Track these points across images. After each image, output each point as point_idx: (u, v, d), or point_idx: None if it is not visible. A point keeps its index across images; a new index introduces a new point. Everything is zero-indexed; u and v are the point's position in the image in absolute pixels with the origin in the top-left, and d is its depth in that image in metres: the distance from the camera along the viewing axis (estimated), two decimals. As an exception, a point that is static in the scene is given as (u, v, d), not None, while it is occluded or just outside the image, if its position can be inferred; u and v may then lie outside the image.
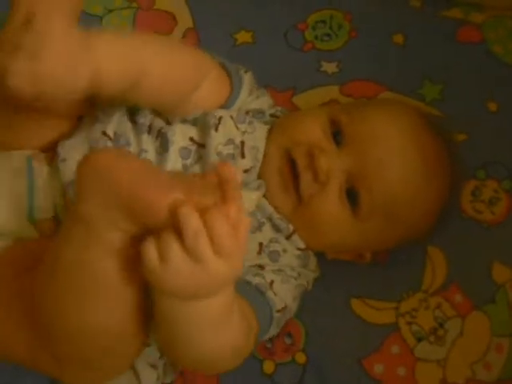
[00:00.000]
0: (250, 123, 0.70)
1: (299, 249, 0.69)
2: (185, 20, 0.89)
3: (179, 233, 0.49)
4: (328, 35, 0.88)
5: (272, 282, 0.65)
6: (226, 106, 0.70)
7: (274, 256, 0.68)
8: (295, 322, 0.74)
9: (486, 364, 0.72)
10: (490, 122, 0.82)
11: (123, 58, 0.60)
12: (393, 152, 0.67)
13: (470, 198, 0.79)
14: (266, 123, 0.72)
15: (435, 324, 0.74)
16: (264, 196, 0.69)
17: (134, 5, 0.90)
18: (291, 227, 0.69)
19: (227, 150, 0.67)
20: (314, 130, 0.69)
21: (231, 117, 0.69)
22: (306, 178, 0.67)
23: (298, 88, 0.85)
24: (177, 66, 0.65)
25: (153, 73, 0.62)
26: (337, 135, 0.69)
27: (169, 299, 0.53)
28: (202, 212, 0.49)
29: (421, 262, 0.77)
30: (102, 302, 0.55)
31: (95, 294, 0.55)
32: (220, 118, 0.68)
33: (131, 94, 0.63)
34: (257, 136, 0.69)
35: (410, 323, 0.74)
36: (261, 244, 0.67)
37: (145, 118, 0.68)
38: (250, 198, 0.67)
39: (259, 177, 0.69)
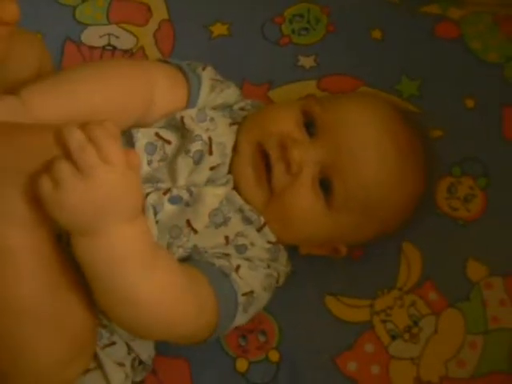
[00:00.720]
0: (212, 120, 0.70)
1: (269, 242, 0.68)
2: (160, 11, 0.88)
3: (67, 155, 0.49)
4: (305, 29, 0.88)
5: (238, 267, 0.65)
6: (188, 107, 0.70)
7: (241, 249, 0.67)
8: (269, 319, 0.74)
9: (460, 361, 0.72)
10: (467, 119, 0.82)
11: (60, 110, 0.62)
12: (367, 143, 0.67)
13: (446, 194, 0.79)
14: (233, 118, 0.71)
15: (410, 322, 0.74)
16: (235, 189, 0.68)
17: (108, -6, 0.90)
18: (262, 219, 0.68)
19: (195, 146, 0.67)
20: (286, 122, 0.68)
21: (191, 117, 0.68)
22: (278, 169, 0.66)
23: (274, 82, 0.84)
24: (118, 96, 0.66)
25: (98, 111, 0.63)
26: (310, 127, 0.68)
27: (79, 239, 0.51)
28: (83, 128, 0.49)
29: (396, 259, 0.76)
30: None
31: None
32: (182, 119, 0.68)
33: None
34: (220, 132, 0.69)
35: (384, 321, 0.74)
36: (227, 237, 0.66)
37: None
38: (216, 194, 0.67)
39: (230, 171, 0.68)
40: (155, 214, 0.65)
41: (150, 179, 0.66)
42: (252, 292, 0.65)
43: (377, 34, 0.87)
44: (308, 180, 0.66)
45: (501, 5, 0.86)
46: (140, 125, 0.69)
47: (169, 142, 0.68)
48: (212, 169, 0.67)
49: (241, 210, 0.68)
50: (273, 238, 0.68)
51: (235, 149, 0.69)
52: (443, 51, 0.85)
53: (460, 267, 0.76)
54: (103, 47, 0.86)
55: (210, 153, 0.67)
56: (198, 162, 0.67)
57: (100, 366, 0.65)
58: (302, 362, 0.72)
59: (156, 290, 0.56)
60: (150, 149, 0.67)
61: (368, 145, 0.67)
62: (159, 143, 0.67)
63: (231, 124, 0.70)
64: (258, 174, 0.67)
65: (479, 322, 0.74)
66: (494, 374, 0.72)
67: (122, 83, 0.67)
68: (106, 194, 0.50)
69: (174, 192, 0.66)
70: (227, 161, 0.69)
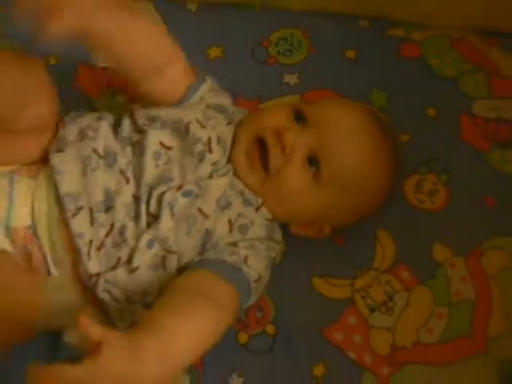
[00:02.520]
0: (214, 118, 0.81)
1: (267, 219, 0.79)
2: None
3: None
4: (289, 51, 0.99)
5: (246, 258, 0.75)
6: (187, 94, 0.81)
7: (244, 229, 0.77)
8: (265, 298, 0.84)
9: (429, 329, 0.83)
10: (430, 125, 0.94)
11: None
12: (347, 130, 0.79)
13: (414, 190, 0.90)
14: (229, 119, 0.82)
15: (385, 297, 0.84)
16: (235, 175, 0.79)
17: (116, 23, 1.01)
18: (260, 200, 0.79)
19: (197, 148, 0.77)
20: (279, 117, 0.80)
21: (197, 120, 0.79)
22: (274, 152, 0.77)
23: (263, 97, 0.95)
24: (157, 40, 0.79)
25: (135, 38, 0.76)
26: (300, 120, 0.80)
27: None
28: None
29: (372, 245, 0.87)
30: None
31: None
32: (188, 124, 0.78)
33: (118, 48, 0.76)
34: (221, 129, 0.80)
35: (364, 297, 0.84)
36: (230, 221, 0.76)
37: (126, 132, 0.78)
38: (219, 184, 0.77)
39: (228, 161, 0.79)
40: (171, 208, 0.74)
41: (162, 180, 0.76)
42: (260, 277, 0.76)
43: (350, 54, 0.98)
44: (299, 160, 0.77)
45: (455, 28, 0.98)
46: (143, 78, 0.79)
47: (170, 148, 0.78)
48: (214, 164, 0.78)
49: (241, 194, 0.78)
50: (269, 216, 0.79)
51: (234, 142, 0.80)
52: (407, 68, 0.97)
53: (427, 250, 0.87)
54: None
55: (210, 151, 0.78)
56: (201, 159, 0.77)
57: None
58: (294, 334, 0.82)
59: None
60: (157, 156, 0.77)
61: (348, 132, 0.79)
62: (163, 150, 0.77)
63: (228, 123, 0.81)
64: (251, 160, 0.78)
65: (444, 296, 0.84)
66: (457, 339, 0.82)
67: (165, 38, 0.80)
68: None
69: (186, 187, 0.75)
70: (227, 153, 0.79)
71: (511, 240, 0.87)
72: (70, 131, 0.79)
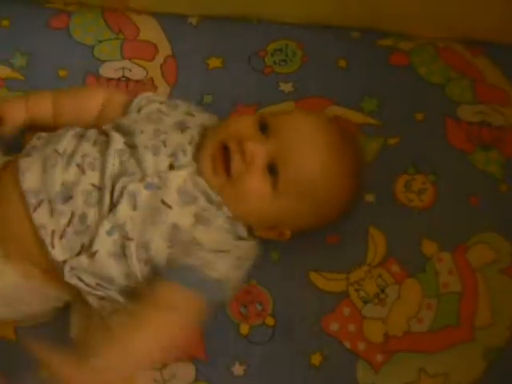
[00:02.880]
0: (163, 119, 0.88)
1: (228, 217, 0.83)
2: (165, 48, 1.04)
3: None
4: (284, 61, 1.04)
5: (211, 262, 0.79)
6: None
7: (207, 222, 0.81)
8: (264, 292, 0.89)
9: (419, 319, 0.88)
10: (418, 129, 0.98)
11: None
12: (303, 140, 0.83)
13: (403, 189, 0.95)
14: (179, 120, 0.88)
15: (378, 290, 0.89)
16: (200, 175, 0.83)
17: (121, 36, 1.05)
18: (220, 199, 0.82)
19: (151, 142, 0.83)
20: (244, 125, 0.85)
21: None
22: (236, 158, 0.81)
23: (261, 104, 1.00)
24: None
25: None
26: (264, 130, 0.84)
27: None
28: None
29: (365, 241, 0.92)
30: None
31: None
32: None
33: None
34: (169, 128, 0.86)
35: (357, 290, 0.89)
36: (195, 214, 0.81)
37: (91, 135, 0.85)
38: (179, 175, 0.82)
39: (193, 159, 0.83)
40: (134, 199, 0.79)
41: (124, 173, 0.81)
42: (227, 278, 0.80)
43: (342, 63, 1.03)
44: (259, 167, 0.81)
45: (440, 38, 1.03)
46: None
47: (133, 147, 0.83)
48: (170, 156, 0.82)
49: (205, 192, 0.82)
50: (230, 214, 0.83)
51: (201, 145, 0.84)
52: (396, 75, 1.02)
53: (416, 246, 0.91)
54: (118, 79, 1.03)
55: (165, 145, 0.83)
56: (156, 153, 0.82)
57: None
58: (293, 325, 0.88)
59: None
60: (120, 153, 0.82)
61: (304, 141, 0.83)
62: (126, 148, 0.83)
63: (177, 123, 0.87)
64: (216, 164, 0.82)
65: (433, 288, 0.89)
66: (446, 328, 0.87)
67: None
68: None
69: (148, 180, 0.80)
70: (187, 151, 0.83)
71: (495, 236, 0.92)
72: (40, 141, 0.86)
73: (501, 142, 0.97)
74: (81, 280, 0.80)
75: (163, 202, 0.80)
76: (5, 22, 1.06)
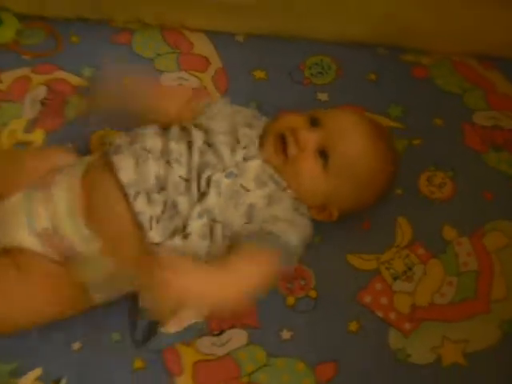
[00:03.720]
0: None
1: (293, 198, 0.97)
2: (215, 62, 1.19)
3: None
4: (321, 73, 1.18)
5: (288, 231, 0.93)
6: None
7: (278, 201, 0.95)
8: (307, 270, 1.02)
9: (442, 293, 1.01)
10: (438, 132, 1.13)
11: None
12: (350, 129, 0.97)
13: (426, 183, 1.08)
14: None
15: (405, 268, 1.02)
16: (265, 162, 0.97)
17: (177, 50, 1.20)
18: (285, 183, 0.97)
19: (227, 138, 0.97)
20: (297, 119, 0.99)
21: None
22: (291, 143, 0.96)
23: (300, 110, 1.08)
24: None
25: None
26: (314, 124, 0.98)
27: None
28: None
29: (393, 228, 1.05)
30: None
31: None
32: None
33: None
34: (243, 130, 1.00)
35: (388, 268, 1.02)
36: (268, 195, 0.95)
37: (174, 133, 0.98)
38: (252, 165, 0.95)
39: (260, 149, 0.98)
40: (218, 187, 0.93)
41: (207, 166, 0.94)
42: (297, 246, 0.94)
43: (371, 75, 1.17)
44: (311, 151, 0.96)
45: (455, 54, 1.17)
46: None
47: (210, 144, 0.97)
48: (244, 148, 0.96)
49: (271, 177, 0.96)
50: (294, 195, 0.97)
51: (263, 137, 0.99)
52: (418, 86, 1.16)
53: (438, 231, 1.05)
54: (177, 87, 1.17)
55: (238, 141, 0.97)
56: (232, 148, 0.96)
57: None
58: (332, 297, 1.00)
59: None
60: (202, 148, 0.96)
61: (349, 130, 0.97)
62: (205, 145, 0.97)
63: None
64: (276, 149, 0.97)
65: (453, 267, 1.02)
66: (465, 301, 1.00)
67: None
68: None
69: (228, 170, 0.94)
70: (256, 144, 0.98)
71: (506, 223, 1.06)
72: (124, 140, 0.98)
73: (511, 143, 1.11)
74: None
75: (242, 186, 0.94)
76: (75, 39, 1.21)
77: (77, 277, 0.93)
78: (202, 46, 1.20)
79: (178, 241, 0.92)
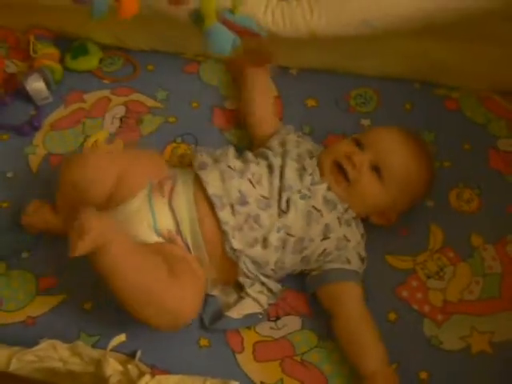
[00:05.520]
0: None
1: (353, 217, 1.14)
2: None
3: None
4: (364, 103, 1.35)
5: (350, 260, 1.12)
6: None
7: (348, 223, 1.13)
8: (353, 268, 1.18)
9: (470, 291, 1.15)
10: (466, 155, 1.28)
11: None
12: (395, 145, 1.14)
13: (455, 198, 1.24)
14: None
15: (438, 269, 1.17)
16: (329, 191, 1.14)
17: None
18: (346, 205, 1.13)
19: (297, 165, 1.14)
20: (345, 146, 1.16)
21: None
22: (349, 168, 1.13)
23: (346, 134, 1.28)
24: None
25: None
26: (359, 145, 1.15)
27: None
28: None
29: (427, 234, 1.20)
30: None
31: None
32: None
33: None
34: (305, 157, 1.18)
35: (422, 268, 1.17)
36: (338, 218, 1.12)
37: (249, 156, 1.16)
38: (319, 189, 1.12)
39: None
40: (296, 206, 1.09)
41: (284, 187, 1.10)
42: (360, 268, 1.13)
43: (408, 106, 1.34)
44: (368, 171, 1.13)
45: (483, 90, 1.34)
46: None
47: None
48: (310, 175, 1.13)
49: (334, 202, 1.13)
50: (354, 214, 1.14)
51: (320, 166, 1.15)
52: (449, 116, 1.32)
53: (466, 238, 1.20)
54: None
55: (305, 169, 1.14)
56: (301, 174, 1.13)
57: (248, 295, 1.10)
58: (373, 292, 1.15)
59: None
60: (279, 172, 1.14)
61: (391, 143, 1.14)
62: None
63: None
64: (336, 176, 1.14)
65: (480, 270, 1.17)
66: (490, 298, 1.14)
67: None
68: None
69: (302, 192, 1.11)
70: (317, 172, 1.14)
71: (528, 234, 1.21)
72: (206, 158, 1.15)
73: (532, 167, 1.27)
74: (245, 264, 1.08)
75: (314, 208, 1.10)
76: (150, 67, 1.41)
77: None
78: (261, 77, 1.39)
79: (259, 249, 1.08)
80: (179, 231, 1.08)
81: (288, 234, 1.08)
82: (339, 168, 1.13)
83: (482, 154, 1.29)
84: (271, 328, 1.13)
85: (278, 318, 1.13)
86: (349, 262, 1.12)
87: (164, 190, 1.11)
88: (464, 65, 1.31)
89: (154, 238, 1.08)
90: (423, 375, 1.08)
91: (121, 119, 1.34)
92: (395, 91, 1.35)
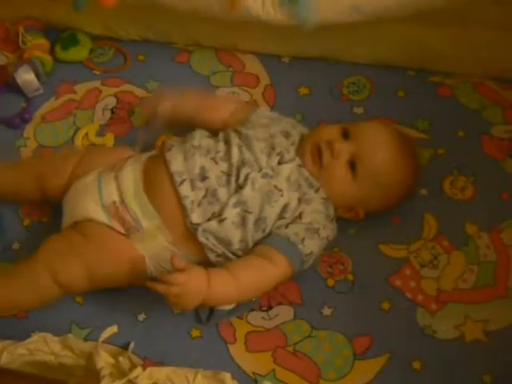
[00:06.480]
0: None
1: (323, 198, 1.12)
2: (265, 79, 1.36)
3: None
4: (357, 91, 1.34)
5: (303, 239, 1.08)
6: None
7: (308, 201, 1.10)
8: (346, 257, 1.17)
9: (464, 279, 1.14)
10: (460, 142, 1.27)
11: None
12: (376, 141, 1.13)
13: (449, 186, 1.22)
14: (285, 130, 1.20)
15: (432, 257, 1.16)
16: (302, 166, 1.12)
17: (231, 69, 1.37)
18: (318, 184, 1.12)
19: (264, 144, 1.12)
20: (331, 131, 1.15)
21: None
22: (326, 154, 1.12)
23: (340, 122, 1.25)
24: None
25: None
26: (345, 135, 1.14)
27: None
28: None
29: (421, 222, 1.19)
30: None
31: None
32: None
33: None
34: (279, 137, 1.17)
35: (416, 257, 1.16)
36: (299, 198, 1.10)
37: (221, 137, 1.15)
38: (286, 168, 1.11)
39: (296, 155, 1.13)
40: (253, 184, 1.08)
41: (245, 165, 1.09)
42: (311, 252, 1.09)
43: (401, 93, 1.32)
44: (343, 161, 1.12)
45: (476, 75, 1.32)
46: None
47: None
48: (278, 155, 1.12)
49: (307, 179, 1.12)
50: (324, 195, 1.12)
51: (302, 146, 1.14)
52: (443, 103, 1.31)
53: (461, 227, 1.18)
54: (230, 100, 1.33)
55: (273, 149, 1.12)
56: (267, 154, 1.11)
57: None
58: (367, 280, 1.14)
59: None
60: (240, 149, 1.13)
61: (377, 143, 1.13)
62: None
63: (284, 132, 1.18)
64: (314, 157, 1.13)
65: (474, 258, 1.16)
66: (485, 286, 1.13)
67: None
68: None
69: (264, 170, 1.10)
70: (290, 151, 1.13)
71: (522, 222, 1.20)
72: (174, 141, 1.16)
73: (525, 153, 1.26)
74: (207, 239, 1.08)
75: (276, 187, 1.09)
76: (141, 57, 1.40)
77: (136, 248, 1.09)
78: (253, 65, 1.38)
79: (214, 223, 1.07)
80: (124, 202, 1.10)
81: (245, 211, 1.08)
82: (319, 151, 1.13)
83: (476, 140, 1.27)
84: (263, 318, 1.12)
85: (270, 308, 1.13)
86: (297, 235, 1.09)
87: (115, 167, 1.15)
88: (457, 50, 1.30)
89: (101, 215, 1.10)
90: (416, 365, 1.07)
91: (112, 110, 1.34)
92: (388, 79, 1.34)
